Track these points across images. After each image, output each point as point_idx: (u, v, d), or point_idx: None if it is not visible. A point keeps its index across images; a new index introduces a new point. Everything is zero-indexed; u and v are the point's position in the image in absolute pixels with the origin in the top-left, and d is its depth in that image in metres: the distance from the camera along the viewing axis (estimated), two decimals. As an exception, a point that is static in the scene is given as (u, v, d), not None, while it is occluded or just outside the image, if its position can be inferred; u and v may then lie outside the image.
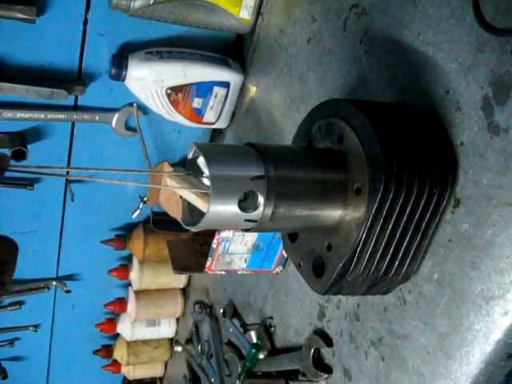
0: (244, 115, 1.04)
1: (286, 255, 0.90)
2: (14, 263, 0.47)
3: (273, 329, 0.92)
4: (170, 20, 0.92)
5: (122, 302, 1.39)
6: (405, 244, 0.54)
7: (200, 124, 1.07)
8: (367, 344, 0.66)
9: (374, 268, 0.55)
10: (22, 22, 0.85)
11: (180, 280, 1.38)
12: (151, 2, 0.89)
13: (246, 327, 1.02)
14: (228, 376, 1.04)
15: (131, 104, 1.05)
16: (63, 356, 1.51)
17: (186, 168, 0.55)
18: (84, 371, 1.57)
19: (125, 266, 1.34)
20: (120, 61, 0.94)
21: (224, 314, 1.10)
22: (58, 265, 1.29)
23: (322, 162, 0.55)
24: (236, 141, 1.08)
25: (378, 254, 0.54)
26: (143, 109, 1.06)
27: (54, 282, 1.32)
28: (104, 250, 1.28)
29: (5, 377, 1.35)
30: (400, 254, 0.55)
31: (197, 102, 1.02)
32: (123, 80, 0.96)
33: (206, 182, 0.53)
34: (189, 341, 1.35)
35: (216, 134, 1.18)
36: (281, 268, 0.92)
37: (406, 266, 0.56)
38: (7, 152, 0.98)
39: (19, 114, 0.98)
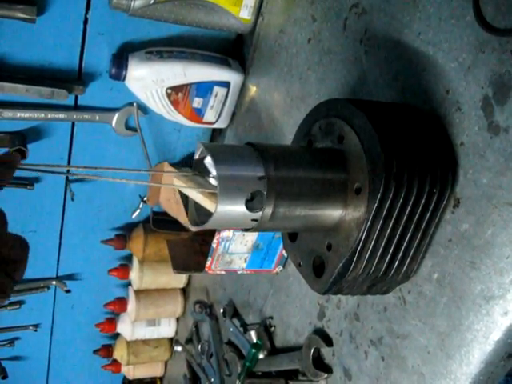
0: (244, 115, 1.04)
1: (285, 255, 0.90)
2: (25, 261, 0.47)
3: (273, 328, 0.92)
4: (170, 20, 0.92)
5: (122, 302, 1.39)
6: (405, 244, 0.55)
7: (200, 124, 1.07)
8: (367, 344, 0.66)
9: (373, 268, 0.55)
10: (23, 22, 0.85)
11: (180, 280, 1.38)
12: (151, 2, 0.89)
13: (246, 327, 1.02)
14: (228, 376, 1.04)
15: (131, 104, 1.05)
16: (63, 355, 1.51)
17: (193, 168, 0.55)
18: (84, 371, 1.57)
19: (125, 266, 1.34)
20: (120, 60, 0.94)
21: (224, 313, 1.10)
22: (57, 264, 1.29)
23: (322, 162, 0.55)
24: (236, 140, 1.08)
25: (378, 254, 0.54)
26: (143, 108, 1.06)
27: (54, 282, 1.32)
28: (104, 249, 1.28)
29: (5, 376, 1.35)
30: (400, 254, 0.55)
31: (197, 102, 1.02)
32: (123, 80, 0.96)
33: (213, 182, 0.53)
34: (189, 340, 1.35)
35: (216, 133, 1.18)
36: (281, 268, 0.92)
37: (405, 265, 0.56)
38: (7, 151, 0.98)
39: (19, 114, 0.98)
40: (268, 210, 0.51)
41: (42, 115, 0.99)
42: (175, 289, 1.41)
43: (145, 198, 1.22)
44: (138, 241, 1.25)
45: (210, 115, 1.05)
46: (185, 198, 1.08)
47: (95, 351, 1.49)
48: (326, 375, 0.74)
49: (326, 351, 0.75)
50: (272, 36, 0.91)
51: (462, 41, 0.52)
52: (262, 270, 0.95)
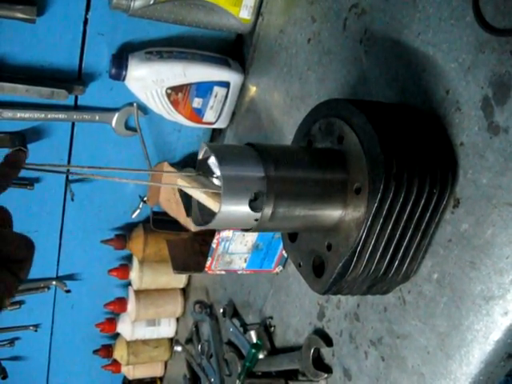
0: (244, 115, 1.04)
1: (285, 255, 0.90)
2: (30, 261, 0.47)
3: (273, 329, 0.92)
4: (170, 20, 0.92)
5: (121, 302, 1.39)
6: (405, 244, 0.55)
7: (200, 124, 1.07)
8: (367, 344, 0.66)
9: (373, 268, 0.55)
10: (23, 22, 0.85)
11: (180, 280, 1.38)
12: (151, 2, 0.89)
13: (245, 327, 1.02)
14: (228, 376, 1.04)
15: (131, 104, 1.06)
16: (63, 356, 1.51)
17: (197, 168, 0.55)
18: (84, 371, 1.57)
19: (125, 266, 1.34)
20: (120, 60, 0.94)
21: (224, 313, 1.10)
22: (57, 264, 1.29)
23: (322, 162, 0.55)
24: (236, 141, 1.08)
25: (378, 254, 0.54)
26: (143, 109, 1.06)
27: (54, 282, 1.32)
28: (104, 249, 1.28)
29: (5, 376, 1.35)
30: (400, 254, 0.55)
31: (197, 102, 1.02)
32: (123, 80, 0.96)
33: (217, 182, 0.53)
34: (189, 340, 1.35)
35: (216, 133, 1.18)
36: (281, 268, 0.92)
37: (405, 265, 0.56)
38: (7, 152, 0.98)
39: (19, 114, 0.98)
40: (268, 210, 0.51)
41: (42, 115, 0.99)
42: (175, 289, 1.41)
43: (145, 198, 1.22)
44: (137, 241, 1.25)
45: (209, 115, 1.05)
46: (184, 199, 1.08)
47: (95, 351, 1.49)
48: (325, 375, 0.74)
49: (325, 351, 0.75)
50: (272, 36, 0.91)
51: (461, 41, 0.52)
52: (262, 270, 0.95)
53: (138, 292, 1.36)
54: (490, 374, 0.52)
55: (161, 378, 1.63)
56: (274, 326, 0.92)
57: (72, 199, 1.15)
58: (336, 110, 0.56)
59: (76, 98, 1.01)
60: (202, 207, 0.55)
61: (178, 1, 0.91)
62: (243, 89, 1.03)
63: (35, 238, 0.49)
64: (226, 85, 1.02)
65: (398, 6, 0.61)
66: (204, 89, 1.01)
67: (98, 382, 1.62)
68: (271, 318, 0.93)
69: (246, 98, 1.02)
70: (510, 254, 0.48)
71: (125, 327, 1.42)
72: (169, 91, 0.99)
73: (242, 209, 0.50)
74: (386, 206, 0.51)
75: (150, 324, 1.43)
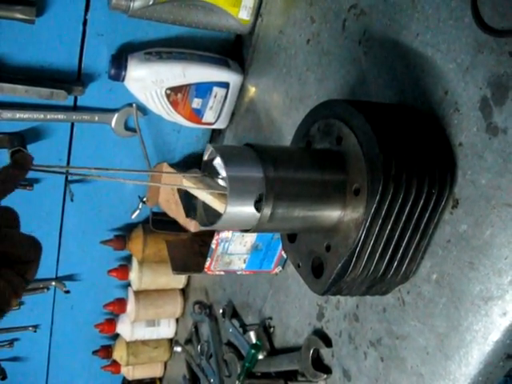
0: (243, 115, 1.04)
1: (285, 255, 0.90)
2: (37, 262, 0.48)
3: (272, 329, 0.92)
4: (169, 20, 0.92)
5: (121, 303, 1.39)
6: (403, 244, 0.55)
7: (199, 124, 1.07)
8: (366, 344, 0.66)
9: (372, 268, 0.55)
10: (22, 23, 0.85)
11: (179, 280, 1.38)
12: (150, 3, 0.89)
13: (245, 327, 1.02)
14: (227, 376, 1.04)
15: (130, 104, 1.05)
16: (62, 356, 1.51)
17: (202, 169, 0.55)
18: (83, 372, 1.57)
19: (124, 267, 1.34)
20: (119, 61, 0.94)
21: (223, 314, 1.10)
22: (57, 265, 1.29)
23: (321, 163, 0.55)
24: (235, 141, 1.08)
25: (377, 255, 0.54)
26: (143, 109, 1.06)
27: (54, 283, 1.31)
28: (103, 250, 1.28)
29: (4, 377, 1.35)
30: (399, 255, 0.55)
31: (196, 103, 1.02)
32: (122, 80, 0.96)
33: (222, 183, 0.54)
34: (188, 341, 1.35)
35: (215, 134, 1.18)
36: (280, 268, 0.92)
37: (404, 266, 0.56)
38: (6, 152, 0.98)
39: (18, 115, 0.98)
40: (267, 211, 0.51)
41: (42, 116, 0.99)
42: (175, 289, 1.41)
43: (144, 199, 1.22)
44: (137, 241, 1.25)
45: (209, 116, 1.05)
46: (184, 199, 1.08)
47: (95, 352, 1.49)
48: (325, 376, 0.74)
49: (325, 352, 0.75)
50: (271, 37, 0.91)
51: (460, 42, 0.52)
52: (262, 270, 0.95)
53: (137, 292, 1.36)
54: (488, 374, 0.52)
55: (160, 379, 1.63)
56: (274, 327, 0.92)
57: (71, 200, 1.15)
58: (335, 110, 0.56)
59: (75, 98, 1.01)
60: (207, 208, 0.55)
61: (177, 1, 0.91)
62: (242, 89, 1.03)
63: (34, 238, 0.49)
64: (225, 85, 1.02)
65: (397, 6, 0.61)
66: (203, 89, 1.01)
67: (98, 382, 1.62)
68: (270, 318, 0.93)
69: (246, 98, 1.02)
70: (508, 255, 0.48)
71: (124, 328, 1.42)
72: (168, 92, 0.99)
73: (247, 210, 0.50)
74: (385, 207, 0.51)
75: (150, 324, 1.43)
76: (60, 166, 0.47)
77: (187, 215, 1.07)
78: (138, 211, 1.23)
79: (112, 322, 1.44)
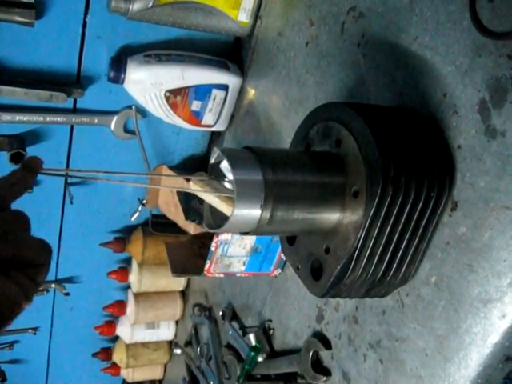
0: (243, 118, 1.04)
1: (284, 258, 0.90)
2: (47, 265, 0.48)
3: (272, 331, 0.92)
4: (168, 23, 0.92)
5: (121, 305, 1.39)
6: (402, 247, 0.55)
7: (199, 127, 1.07)
8: (366, 347, 0.66)
9: (371, 271, 0.55)
10: (21, 25, 0.85)
11: (179, 282, 1.38)
12: (150, 5, 0.89)
13: (244, 330, 1.02)
14: (227, 379, 1.04)
15: (130, 107, 1.06)
16: (62, 359, 1.51)
17: (208, 172, 0.56)
18: (83, 374, 1.57)
19: (124, 269, 1.34)
20: (119, 64, 0.95)
21: (223, 316, 1.10)
22: (56, 267, 1.29)
23: (320, 166, 0.55)
24: (235, 143, 1.08)
25: (376, 257, 0.54)
26: (142, 111, 1.06)
27: (53, 285, 1.31)
28: (103, 252, 1.28)
29: (4, 379, 1.35)
30: (398, 257, 0.55)
31: (195, 105, 1.02)
32: (122, 83, 0.96)
33: (229, 186, 0.54)
34: (188, 343, 1.35)
35: (215, 136, 1.18)
36: (279, 271, 0.92)
37: (403, 268, 0.56)
38: (6, 155, 0.98)
39: (18, 117, 0.98)
40: (266, 214, 0.51)
41: (41, 118, 0.99)
42: (174, 291, 1.41)
43: (144, 201, 1.22)
44: (137, 244, 1.25)
45: (208, 118, 1.05)
46: (183, 202, 1.08)
47: (94, 354, 1.49)
48: (324, 378, 0.74)
49: (324, 354, 0.75)
50: (270, 39, 0.91)
51: (458, 44, 0.52)
52: (261, 273, 0.95)
53: (137, 295, 1.36)
54: (488, 376, 0.52)
55: (160, 381, 1.63)
56: (273, 329, 0.92)
57: (71, 202, 1.15)
58: (334, 113, 0.56)
59: (75, 101, 1.01)
60: (214, 210, 0.55)
61: (176, 4, 0.91)
62: (242, 92, 1.03)
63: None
64: (224, 88, 1.02)
65: (396, 9, 0.61)
66: (203, 92, 1.01)
67: (97, 384, 1.62)
68: (270, 320, 0.93)
69: (245, 100, 1.02)
70: (507, 257, 0.48)
71: (124, 330, 1.42)
72: (167, 94, 0.99)
73: (254, 212, 0.51)
74: (384, 210, 0.51)
75: (150, 327, 1.43)
76: (69, 170, 0.47)
77: (186, 217, 1.07)
78: (137, 213, 1.23)
79: (112, 324, 1.44)
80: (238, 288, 1.06)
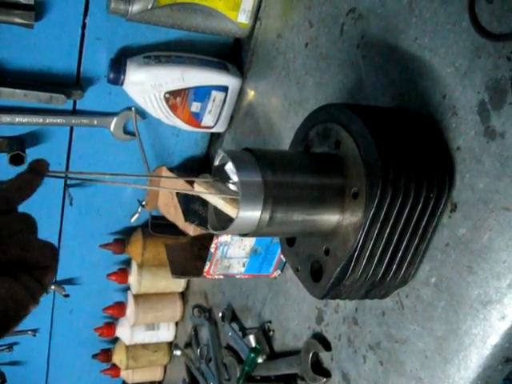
0: (242, 119, 1.04)
1: (284, 259, 0.90)
2: (54, 267, 0.48)
3: (271, 333, 0.92)
4: (168, 24, 0.93)
5: (120, 306, 1.39)
6: (402, 248, 0.55)
7: (198, 128, 1.07)
8: (365, 348, 0.66)
9: (371, 272, 0.55)
10: (21, 27, 0.85)
11: (179, 284, 1.38)
12: (149, 7, 0.89)
13: (244, 331, 1.02)
14: (227, 380, 1.04)
15: (129, 108, 1.06)
16: (62, 360, 1.51)
17: (213, 174, 0.56)
18: (83, 375, 1.57)
19: (123, 270, 1.34)
20: (118, 65, 0.95)
21: (223, 317, 1.10)
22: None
23: (320, 167, 0.55)
24: (234, 145, 1.08)
25: (376, 259, 0.54)
26: (141, 113, 1.06)
27: (53, 286, 1.31)
28: (103, 254, 1.28)
29: (4, 381, 1.35)
30: (397, 259, 0.55)
31: (195, 106, 1.02)
32: (121, 84, 0.96)
33: (233, 187, 0.54)
34: (188, 345, 1.35)
35: (214, 138, 1.18)
36: (279, 272, 0.92)
37: (403, 270, 0.56)
38: (5, 156, 0.98)
39: (18, 119, 0.98)
40: (265, 215, 0.51)
41: (41, 120, 0.99)
42: (174, 293, 1.41)
43: (143, 203, 1.22)
44: (136, 245, 1.25)
45: (208, 119, 1.05)
46: (182, 203, 1.08)
47: (94, 356, 1.49)
48: (324, 379, 0.74)
49: (324, 355, 0.75)
50: (269, 41, 0.91)
51: (458, 46, 0.52)
52: (261, 274, 0.95)
53: (136, 296, 1.35)
54: (487, 378, 0.52)
55: (160, 382, 1.63)
56: (273, 330, 0.91)
57: (71, 204, 1.15)
58: (333, 114, 0.56)
59: (74, 102, 1.01)
60: (219, 212, 0.55)
61: (175, 5, 0.91)
62: (241, 93, 1.03)
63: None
64: (224, 89, 1.02)
65: (395, 10, 0.61)
66: (202, 93, 1.01)
67: (97, 386, 1.62)
68: (270, 322, 0.93)
69: (244, 102, 1.02)
70: (506, 259, 0.48)
71: (124, 331, 1.42)
72: (167, 95, 0.99)
73: (259, 214, 0.51)
74: (384, 211, 0.51)
75: (149, 328, 1.43)
76: (75, 172, 0.48)
77: (186, 219, 1.07)
78: (137, 215, 1.23)
79: (111, 325, 1.44)
80: (238, 289, 1.06)
